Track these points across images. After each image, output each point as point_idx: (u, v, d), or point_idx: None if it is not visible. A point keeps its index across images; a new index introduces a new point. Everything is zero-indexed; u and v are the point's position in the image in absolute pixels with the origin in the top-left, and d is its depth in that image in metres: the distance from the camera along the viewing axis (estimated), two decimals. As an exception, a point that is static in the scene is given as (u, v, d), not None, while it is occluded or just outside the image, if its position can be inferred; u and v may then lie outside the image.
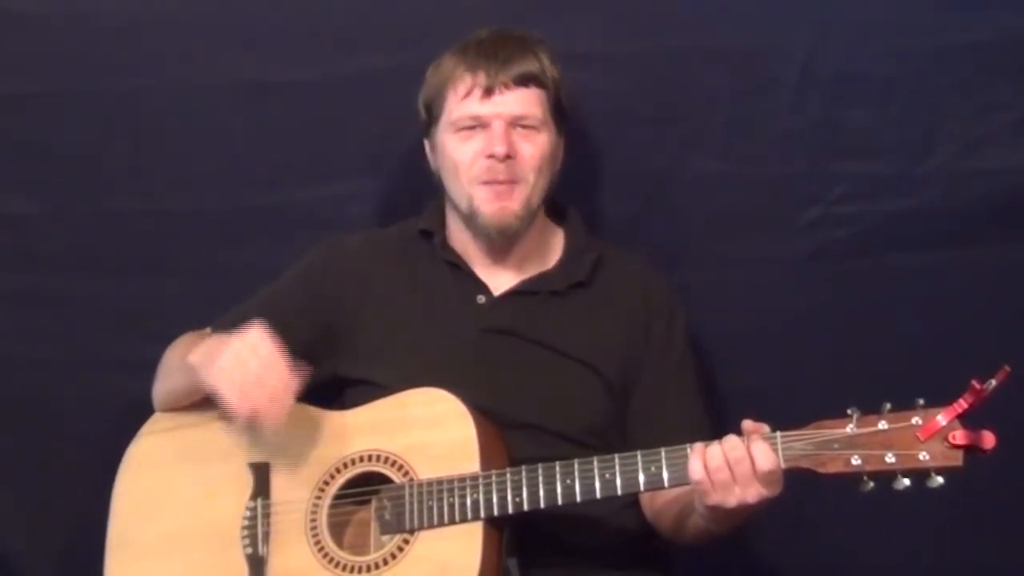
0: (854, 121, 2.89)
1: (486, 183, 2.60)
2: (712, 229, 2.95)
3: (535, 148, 2.61)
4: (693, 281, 2.88)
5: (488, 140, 2.59)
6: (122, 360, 2.91)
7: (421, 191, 2.80)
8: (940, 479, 2.19)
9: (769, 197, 2.93)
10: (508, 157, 2.58)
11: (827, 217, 2.91)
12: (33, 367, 3.06)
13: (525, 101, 2.61)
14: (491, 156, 2.58)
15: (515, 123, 2.60)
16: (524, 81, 2.60)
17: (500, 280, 2.67)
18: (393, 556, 2.44)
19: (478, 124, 2.60)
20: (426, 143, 2.72)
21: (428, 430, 2.48)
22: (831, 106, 2.89)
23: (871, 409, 2.24)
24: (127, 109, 3.00)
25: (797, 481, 2.29)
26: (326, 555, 2.48)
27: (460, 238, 2.70)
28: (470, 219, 2.64)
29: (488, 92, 2.59)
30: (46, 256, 3.05)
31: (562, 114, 2.66)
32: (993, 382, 2.15)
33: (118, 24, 2.98)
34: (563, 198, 2.77)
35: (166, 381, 2.68)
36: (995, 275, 2.88)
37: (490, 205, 2.60)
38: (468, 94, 2.60)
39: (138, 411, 2.68)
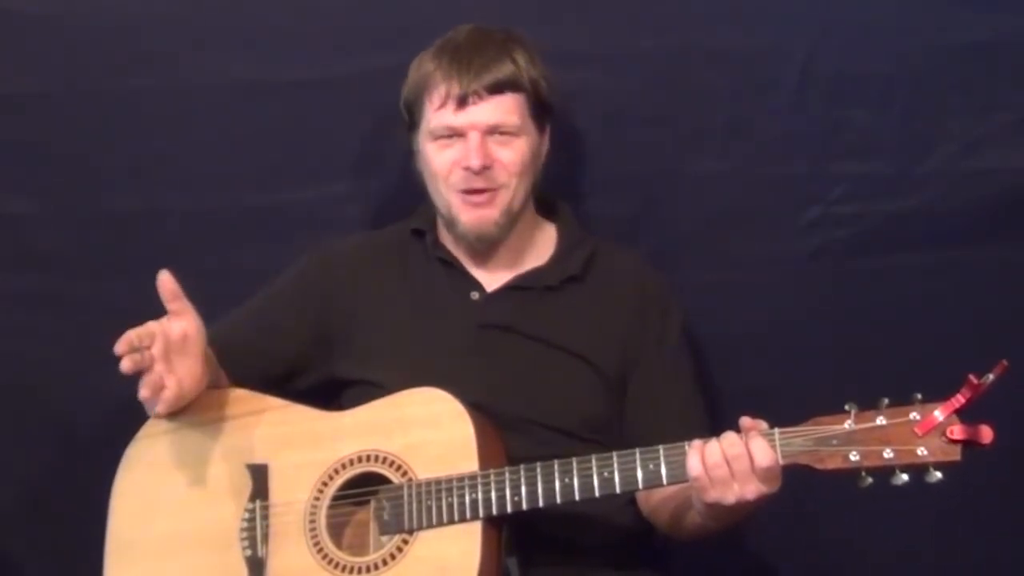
0: (854, 121, 2.90)
1: (464, 192, 2.61)
2: (712, 229, 2.95)
3: (514, 154, 2.61)
4: (693, 281, 2.88)
5: (464, 152, 2.59)
6: (122, 360, 2.91)
7: (419, 192, 2.80)
8: (938, 474, 2.19)
9: (769, 197, 2.93)
10: (485, 168, 2.58)
11: (827, 217, 2.91)
12: (33, 367, 3.06)
13: (501, 109, 2.60)
14: (467, 168, 2.58)
15: (491, 131, 2.60)
16: (499, 88, 2.59)
17: (493, 276, 2.68)
18: (392, 556, 2.43)
19: (454, 133, 2.60)
20: (411, 141, 2.72)
21: (426, 430, 2.48)
22: (831, 106, 2.89)
23: (869, 405, 2.24)
24: (127, 109, 3.01)
25: (795, 477, 2.29)
26: (325, 556, 2.47)
27: (450, 236, 2.70)
28: (450, 225, 2.65)
29: (462, 103, 2.59)
30: (46, 256, 3.05)
31: (545, 111, 2.66)
32: (991, 376, 2.15)
33: (118, 24, 2.98)
34: (563, 198, 2.78)
35: None
36: (995, 275, 2.88)
37: (468, 213, 2.61)
38: (443, 104, 2.60)
39: (137, 411, 2.66)
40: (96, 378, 2.98)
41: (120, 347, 2.40)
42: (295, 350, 2.71)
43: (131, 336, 2.42)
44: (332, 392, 2.69)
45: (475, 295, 2.66)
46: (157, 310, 2.93)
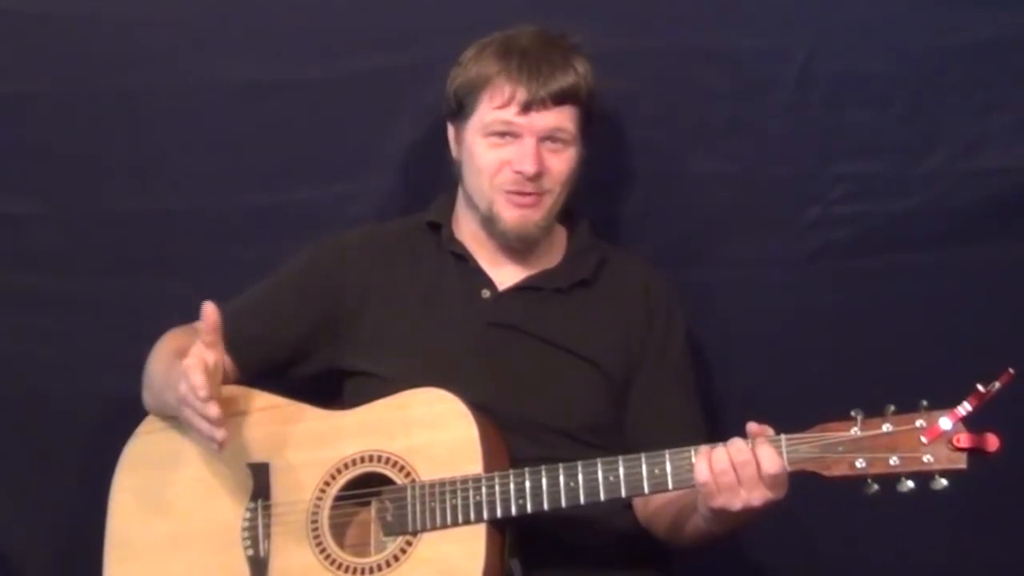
0: (854, 121, 2.90)
1: (510, 193, 2.61)
2: (712, 229, 2.96)
3: (563, 163, 2.62)
4: (693, 281, 2.89)
5: (519, 156, 2.58)
6: (122, 360, 2.88)
7: (420, 191, 2.81)
8: (944, 481, 2.19)
9: (769, 197, 2.94)
10: (538, 174, 2.59)
11: (827, 217, 2.92)
12: (33, 367, 3.05)
13: (560, 119, 2.60)
14: (519, 172, 2.58)
15: (546, 138, 2.60)
16: (562, 99, 2.59)
17: (505, 275, 2.68)
18: (396, 558, 2.44)
19: (510, 133, 2.60)
20: (450, 127, 2.71)
21: (429, 431, 2.48)
22: (831, 106, 2.90)
23: (875, 411, 2.24)
24: (127, 109, 3.00)
25: (798, 482, 2.29)
26: (328, 556, 2.48)
27: (468, 230, 2.70)
28: (489, 221, 2.64)
29: (526, 108, 2.58)
30: (46, 256, 3.04)
31: (591, 123, 2.67)
32: (997, 384, 2.15)
33: (118, 24, 2.97)
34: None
35: (155, 399, 2.65)
36: (995, 275, 2.89)
37: (512, 212, 2.61)
38: (505, 105, 2.59)
39: (137, 411, 2.68)
40: (96, 378, 3.02)
41: (213, 411, 2.39)
42: (300, 335, 2.70)
43: (210, 394, 2.39)
44: (334, 385, 2.69)
45: (486, 293, 2.66)
46: (157, 309, 2.95)
